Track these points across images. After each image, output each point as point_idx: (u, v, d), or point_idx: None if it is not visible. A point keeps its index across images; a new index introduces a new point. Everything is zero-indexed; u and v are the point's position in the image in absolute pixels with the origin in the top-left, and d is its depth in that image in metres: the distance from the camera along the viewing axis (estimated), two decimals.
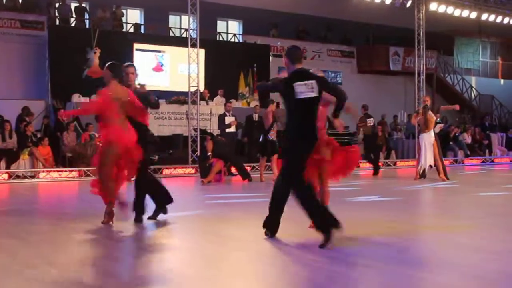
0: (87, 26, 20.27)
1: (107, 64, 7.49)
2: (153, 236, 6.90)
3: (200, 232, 7.18)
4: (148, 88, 8.19)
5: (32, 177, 14.91)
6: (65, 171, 15.34)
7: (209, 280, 4.89)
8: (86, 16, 20.71)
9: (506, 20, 22.80)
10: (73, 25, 20.41)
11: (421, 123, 13.98)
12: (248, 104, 19.13)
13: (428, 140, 13.67)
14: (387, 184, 13.70)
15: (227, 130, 14.96)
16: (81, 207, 7.86)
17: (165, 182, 14.25)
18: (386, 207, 9.29)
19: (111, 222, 7.42)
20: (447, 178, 13.76)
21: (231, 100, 16.41)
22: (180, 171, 16.47)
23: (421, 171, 13.98)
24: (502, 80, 31.42)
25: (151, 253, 6.10)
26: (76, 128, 16.71)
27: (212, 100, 19.07)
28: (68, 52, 17.89)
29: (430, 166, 13.92)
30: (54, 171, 15.27)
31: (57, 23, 20.31)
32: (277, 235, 6.45)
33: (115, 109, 7.28)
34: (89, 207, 8.55)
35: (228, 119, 14.98)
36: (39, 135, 16.31)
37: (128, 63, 8.12)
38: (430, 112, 13.80)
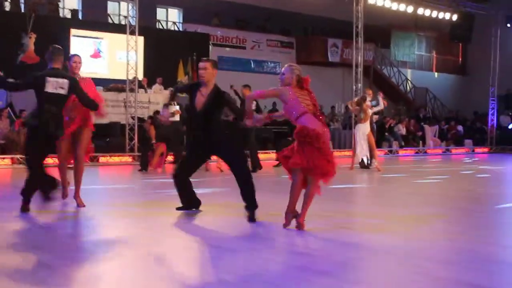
0: (22, 11, 19.73)
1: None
2: (84, 226, 6.83)
3: (135, 219, 7.15)
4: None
5: None
6: None
7: (142, 266, 4.90)
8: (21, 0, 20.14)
9: (441, 15, 23.45)
10: (7, 9, 19.81)
11: (357, 114, 14.24)
12: None
13: (363, 130, 13.94)
14: None
15: (170, 119, 14.82)
16: (13, 195, 7.73)
17: (101, 170, 14.23)
18: (321, 198, 9.42)
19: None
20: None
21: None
22: (116, 159, 16.29)
23: (359, 161, 14.24)
24: (436, 74, 32.32)
25: (85, 242, 6.04)
26: (10, 115, 16.29)
27: (151, 88, 18.91)
28: (2, 37, 17.44)
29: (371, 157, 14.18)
30: None
31: None
32: (216, 223, 6.50)
33: None
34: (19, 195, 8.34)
35: (172, 108, 14.88)
36: None
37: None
38: (368, 103, 14.07)
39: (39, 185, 7.12)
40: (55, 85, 6.91)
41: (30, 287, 4.26)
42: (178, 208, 7.37)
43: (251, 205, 6.87)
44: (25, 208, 7.12)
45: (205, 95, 7.02)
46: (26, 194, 7.14)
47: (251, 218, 6.80)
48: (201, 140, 7.12)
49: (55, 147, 7.50)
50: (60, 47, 7.26)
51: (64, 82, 7.00)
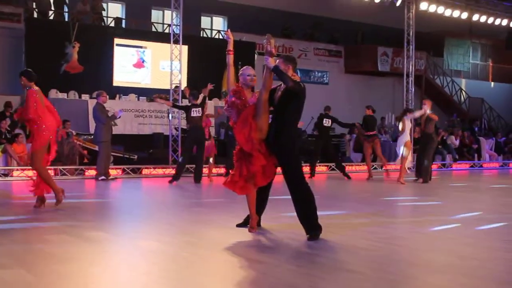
0: (66, 19, 19.59)
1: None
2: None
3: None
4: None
5: (6, 175, 14.25)
6: None
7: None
8: (66, 9, 20.01)
9: (497, 22, 22.42)
10: (51, 18, 19.68)
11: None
12: None
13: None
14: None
15: None
16: (53, 206, 8.44)
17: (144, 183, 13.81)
18: (368, 213, 8.78)
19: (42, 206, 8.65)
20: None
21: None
22: (160, 171, 15.89)
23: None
24: (492, 83, 30.99)
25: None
26: None
27: None
28: (46, 46, 17.31)
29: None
30: (28, 169, 14.54)
31: (35, 15, 19.59)
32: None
33: None
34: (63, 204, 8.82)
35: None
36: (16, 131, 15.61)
37: None
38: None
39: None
40: None
41: None
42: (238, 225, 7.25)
43: (306, 228, 6.52)
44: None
45: (281, 89, 6.93)
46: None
47: (310, 239, 6.43)
48: (269, 142, 6.84)
49: None
50: None
51: None
